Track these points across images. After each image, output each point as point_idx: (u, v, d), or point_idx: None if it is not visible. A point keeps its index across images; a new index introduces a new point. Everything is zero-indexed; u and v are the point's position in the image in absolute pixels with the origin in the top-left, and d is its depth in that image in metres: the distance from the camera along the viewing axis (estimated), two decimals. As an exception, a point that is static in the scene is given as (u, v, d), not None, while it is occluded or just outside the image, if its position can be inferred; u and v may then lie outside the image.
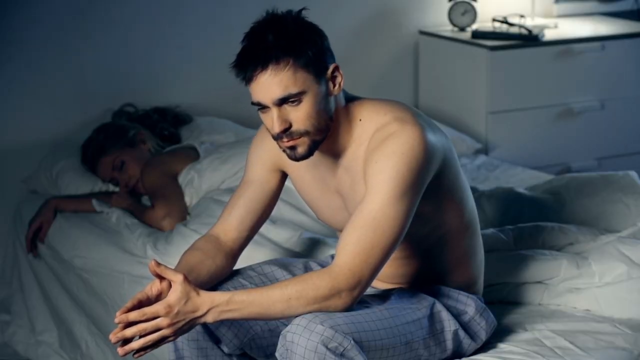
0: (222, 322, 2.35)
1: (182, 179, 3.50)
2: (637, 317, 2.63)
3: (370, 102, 2.34)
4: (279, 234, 3.08)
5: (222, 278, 2.43)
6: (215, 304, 2.16)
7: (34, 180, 3.87)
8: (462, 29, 4.51)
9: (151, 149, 3.70)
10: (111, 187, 3.70)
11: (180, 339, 2.37)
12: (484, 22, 4.57)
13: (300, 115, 2.23)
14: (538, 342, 2.48)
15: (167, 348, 2.43)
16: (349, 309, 2.20)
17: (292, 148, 2.27)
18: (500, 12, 4.60)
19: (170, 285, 2.20)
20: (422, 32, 4.55)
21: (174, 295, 2.15)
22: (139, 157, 3.63)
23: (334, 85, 2.28)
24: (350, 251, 2.18)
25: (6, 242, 3.87)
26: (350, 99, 2.35)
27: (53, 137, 3.95)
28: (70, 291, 3.49)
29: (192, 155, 3.61)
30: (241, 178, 2.55)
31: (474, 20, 4.49)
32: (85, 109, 4.02)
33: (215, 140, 3.86)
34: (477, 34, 4.37)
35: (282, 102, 2.22)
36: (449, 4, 4.51)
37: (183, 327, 2.17)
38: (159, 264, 2.17)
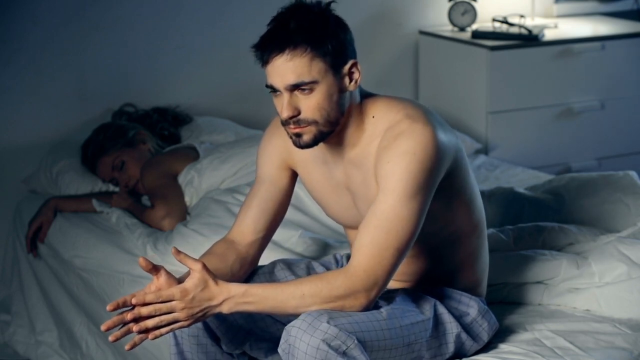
0: (222, 321, 2.36)
1: (182, 179, 3.50)
2: (637, 317, 2.63)
3: (384, 100, 2.35)
4: (279, 234, 3.07)
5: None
6: (232, 295, 2.17)
7: (34, 180, 3.86)
8: (462, 29, 4.50)
9: (151, 149, 3.70)
10: (111, 187, 3.70)
11: (180, 333, 2.37)
12: (484, 22, 4.57)
13: (310, 105, 2.24)
14: (538, 342, 2.48)
15: (168, 342, 2.44)
16: (366, 309, 2.20)
17: (298, 135, 2.28)
18: (500, 12, 4.60)
19: (169, 282, 2.19)
20: (422, 32, 4.55)
21: (192, 281, 2.16)
22: (139, 157, 3.63)
23: (350, 81, 2.28)
24: (365, 252, 2.19)
25: (6, 242, 3.87)
26: (366, 96, 2.35)
27: (53, 137, 3.95)
28: (70, 291, 3.49)
29: (192, 155, 3.61)
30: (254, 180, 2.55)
31: (474, 20, 4.49)
32: (85, 109, 4.02)
33: (215, 140, 3.86)
34: (477, 34, 4.37)
35: (293, 88, 2.23)
36: (449, 4, 4.51)
37: (197, 314, 2.17)
38: (179, 252, 2.18)
